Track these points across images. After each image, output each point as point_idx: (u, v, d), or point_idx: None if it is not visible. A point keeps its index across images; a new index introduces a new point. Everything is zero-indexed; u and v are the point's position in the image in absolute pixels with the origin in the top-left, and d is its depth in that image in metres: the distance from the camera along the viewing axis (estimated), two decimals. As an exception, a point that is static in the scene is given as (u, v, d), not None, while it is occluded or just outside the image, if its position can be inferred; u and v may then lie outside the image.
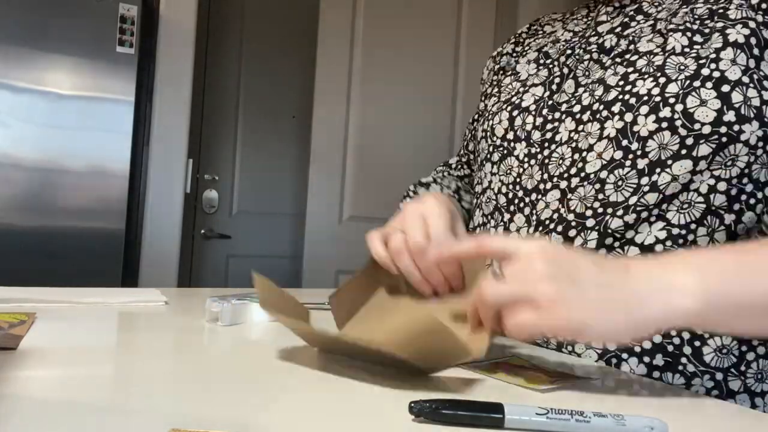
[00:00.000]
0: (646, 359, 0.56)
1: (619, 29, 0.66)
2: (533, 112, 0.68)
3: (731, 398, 0.56)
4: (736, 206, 0.56)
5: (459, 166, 0.93)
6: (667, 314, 0.42)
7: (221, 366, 0.47)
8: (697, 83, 0.55)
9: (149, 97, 1.99)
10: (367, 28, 2.33)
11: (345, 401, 0.40)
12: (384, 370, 0.49)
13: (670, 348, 0.56)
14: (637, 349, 0.57)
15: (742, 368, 0.55)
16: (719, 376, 0.55)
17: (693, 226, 0.56)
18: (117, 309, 0.71)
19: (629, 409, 0.42)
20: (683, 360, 0.56)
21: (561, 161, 0.63)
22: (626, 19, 0.66)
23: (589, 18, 0.74)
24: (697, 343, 0.55)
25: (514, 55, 0.82)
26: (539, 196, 0.64)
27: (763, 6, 0.57)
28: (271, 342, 0.59)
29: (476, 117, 0.89)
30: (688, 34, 0.59)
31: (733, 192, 0.55)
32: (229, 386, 0.42)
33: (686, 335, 0.56)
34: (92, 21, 1.75)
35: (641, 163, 0.56)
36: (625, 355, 0.57)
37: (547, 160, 0.64)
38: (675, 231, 0.56)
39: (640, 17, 0.66)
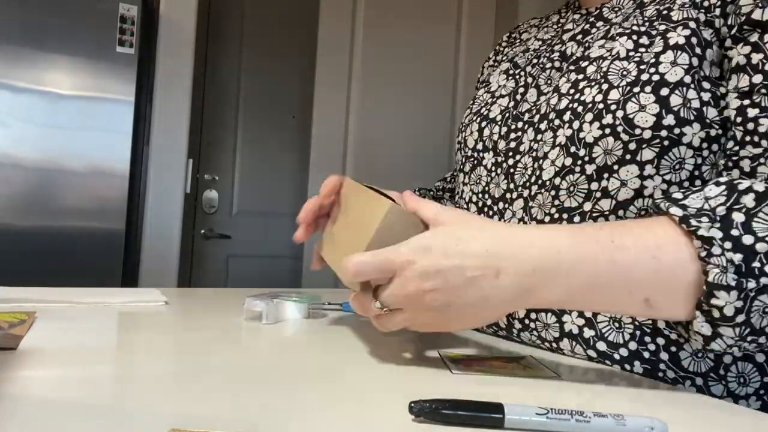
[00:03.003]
0: (627, 366, 0.57)
1: (579, 36, 0.67)
2: (499, 123, 0.70)
3: None
4: None
5: (452, 179, 0.97)
6: (527, 306, 0.48)
7: (221, 366, 0.47)
8: (636, 89, 0.56)
9: (149, 97, 1.99)
10: (367, 28, 2.33)
11: (345, 401, 0.40)
12: (385, 368, 0.49)
13: (647, 354, 0.56)
14: (616, 356, 0.57)
15: (721, 372, 0.55)
16: (699, 381, 0.55)
17: None
18: (117, 309, 0.71)
19: (629, 409, 0.42)
20: (662, 366, 0.55)
21: (524, 171, 0.65)
22: (588, 26, 0.68)
23: (559, 25, 0.75)
24: (673, 349, 0.55)
25: (494, 65, 0.86)
26: (506, 205, 0.67)
27: (705, 4, 0.57)
28: (272, 342, 0.59)
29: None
30: (634, 37, 0.59)
31: None
32: (230, 386, 0.42)
33: (661, 341, 0.56)
34: (92, 21, 1.75)
35: (589, 169, 0.58)
36: (607, 363, 0.58)
37: (512, 170, 0.67)
38: None
39: (600, 23, 0.66)
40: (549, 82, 0.67)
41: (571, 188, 0.59)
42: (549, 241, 0.47)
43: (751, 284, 0.42)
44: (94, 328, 0.60)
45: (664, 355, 0.56)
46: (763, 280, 0.42)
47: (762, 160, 0.51)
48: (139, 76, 1.82)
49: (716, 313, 0.43)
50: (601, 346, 0.58)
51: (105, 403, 0.36)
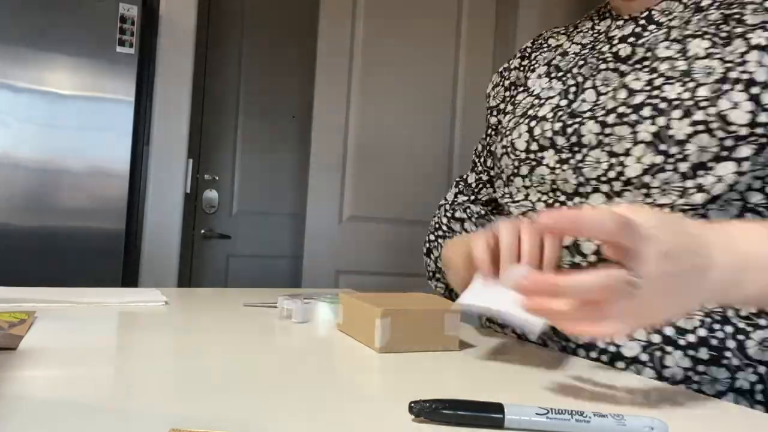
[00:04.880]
0: (691, 352, 0.56)
1: (632, 39, 0.67)
2: (550, 120, 0.68)
3: None
4: None
5: (480, 186, 0.89)
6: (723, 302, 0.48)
7: (221, 366, 0.47)
8: (726, 86, 0.55)
9: (149, 97, 1.99)
10: (368, 29, 2.33)
11: (345, 401, 0.40)
12: (385, 368, 0.49)
13: (714, 342, 0.56)
14: (682, 342, 0.57)
15: None
16: (762, 369, 0.56)
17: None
18: (117, 309, 0.71)
19: (629, 409, 0.42)
20: (727, 354, 0.56)
21: (597, 164, 0.63)
22: (638, 29, 0.67)
23: (595, 30, 0.74)
24: (740, 337, 0.56)
25: (522, 69, 0.83)
26: (582, 200, 0.64)
27: None
28: (271, 343, 0.59)
29: (490, 132, 0.88)
30: (707, 37, 0.59)
31: None
32: (230, 386, 0.42)
33: (729, 329, 0.56)
34: (92, 21, 1.75)
35: (683, 167, 0.57)
36: (669, 348, 0.57)
37: (580, 164, 0.64)
38: None
39: (652, 27, 0.66)
40: (606, 82, 0.66)
41: (664, 186, 0.58)
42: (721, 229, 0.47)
43: None
44: (94, 328, 0.60)
45: (731, 343, 0.56)
46: None
47: None
48: (139, 75, 1.82)
49: None
50: (669, 330, 0.57)
51: (105, 403, 0.36)
